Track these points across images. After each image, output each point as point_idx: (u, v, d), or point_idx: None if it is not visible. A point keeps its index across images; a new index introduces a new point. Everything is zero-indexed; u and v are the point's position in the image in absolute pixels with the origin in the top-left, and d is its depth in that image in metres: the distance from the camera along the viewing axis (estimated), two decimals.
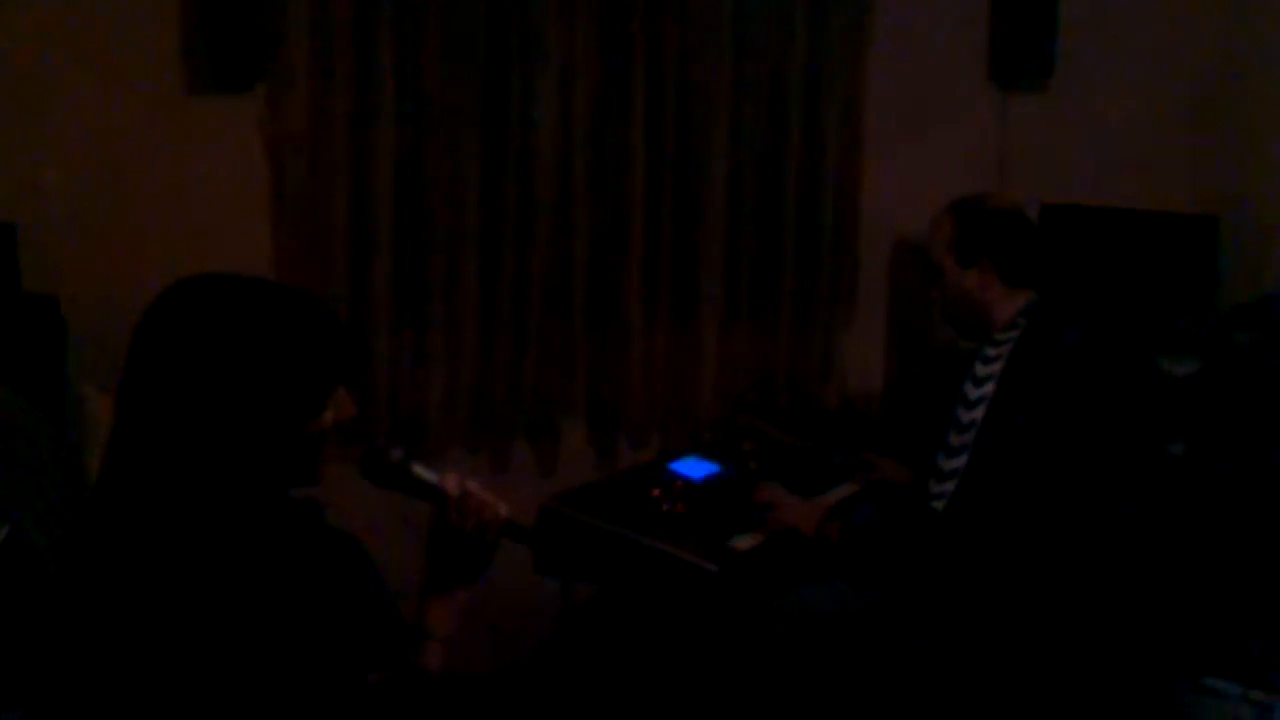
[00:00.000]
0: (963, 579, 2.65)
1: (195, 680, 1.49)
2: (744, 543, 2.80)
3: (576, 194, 3.55)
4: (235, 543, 1.58)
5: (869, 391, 3.93)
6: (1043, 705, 2.62)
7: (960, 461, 2.71)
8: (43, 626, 1.53)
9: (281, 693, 1.55)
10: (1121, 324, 3.39)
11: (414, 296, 3.48)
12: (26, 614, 1.60)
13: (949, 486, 2.72)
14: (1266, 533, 3.03)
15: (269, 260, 3.40)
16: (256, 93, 3.30)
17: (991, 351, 2.77)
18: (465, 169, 3.43)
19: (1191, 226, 3.72)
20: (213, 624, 1.51)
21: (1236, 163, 3.89)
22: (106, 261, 3.21)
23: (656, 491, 2.96)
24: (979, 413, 2.72)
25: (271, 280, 1.69)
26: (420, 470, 1.82)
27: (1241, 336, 3.35)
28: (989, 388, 2.72)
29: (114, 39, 3.19)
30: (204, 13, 3.19)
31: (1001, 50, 3.89)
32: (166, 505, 1.56)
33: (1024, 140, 3.92)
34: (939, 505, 2.72)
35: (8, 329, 2.92)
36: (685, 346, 3.74)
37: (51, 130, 3.15)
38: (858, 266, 3.87)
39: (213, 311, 1.60)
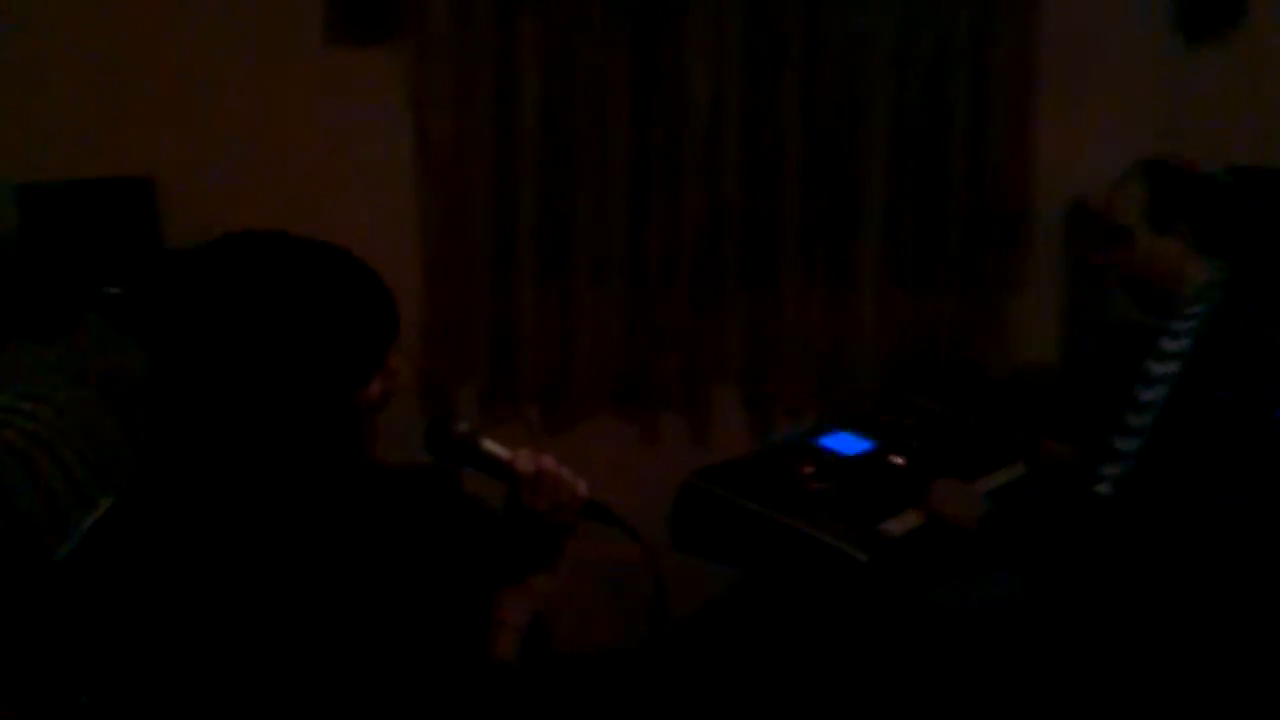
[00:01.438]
0: (1133, 568, 2.44)
1: (220, 672, 1.39)
2: (896, 527, 2.60)
3: (728, 150, 3.37)
4: (272, 519, 1.47)
5: (1040, 365, 3.67)
6: (1218, 704, 2.40)
7: (1136, 443, 2.51)
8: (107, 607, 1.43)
9: (317, 681, 1.44)
10: None
11: (558, 256, 3.35)
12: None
13: (1120, 469, 2.51)
14: None
15: (413, 212, 3.32)
16: (397, 43, 3.21)
17: (1179, 326, 2.54)
18: (612, 123, 3.29)
19: None
20: (233, 608, 1.40)
21: None
22: (247, 214, 3.13)
23: (805, 468, 2.79)
24: (1161, 392, 2.50)
25: (317, 240, 1.54)
26: (490, 445, 1.65)
27: None
28: (1173, 366, 2.50)
29: None
30: None
31: None
32: (204, 479, 1.46)
33: (1210, 96, 3.59)
34: (1104, 489, 2.52)
35: (148, 284, 2.87)
36: (843, 312, 3.54)
37: (189, 83, 3.09)
38: (1029, 229, 3.61)
39: (245, 272, 1.47)
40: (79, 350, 2.56)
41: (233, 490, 1.46)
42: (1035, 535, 2.53)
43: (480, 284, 3.33)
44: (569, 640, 1.88)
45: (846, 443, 2.98)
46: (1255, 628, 2.44)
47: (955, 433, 3.14)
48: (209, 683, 1.39)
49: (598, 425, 3.53)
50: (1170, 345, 2.54)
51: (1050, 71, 3.53)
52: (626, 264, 3.39)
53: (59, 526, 1.88)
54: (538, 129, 3.25)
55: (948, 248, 3.54)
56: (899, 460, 2.91)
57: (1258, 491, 2.42)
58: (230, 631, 1.39)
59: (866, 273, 3.50)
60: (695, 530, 2.70)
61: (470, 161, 3.26)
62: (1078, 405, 3.32)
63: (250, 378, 1.43)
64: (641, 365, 3.47)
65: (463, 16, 3.18)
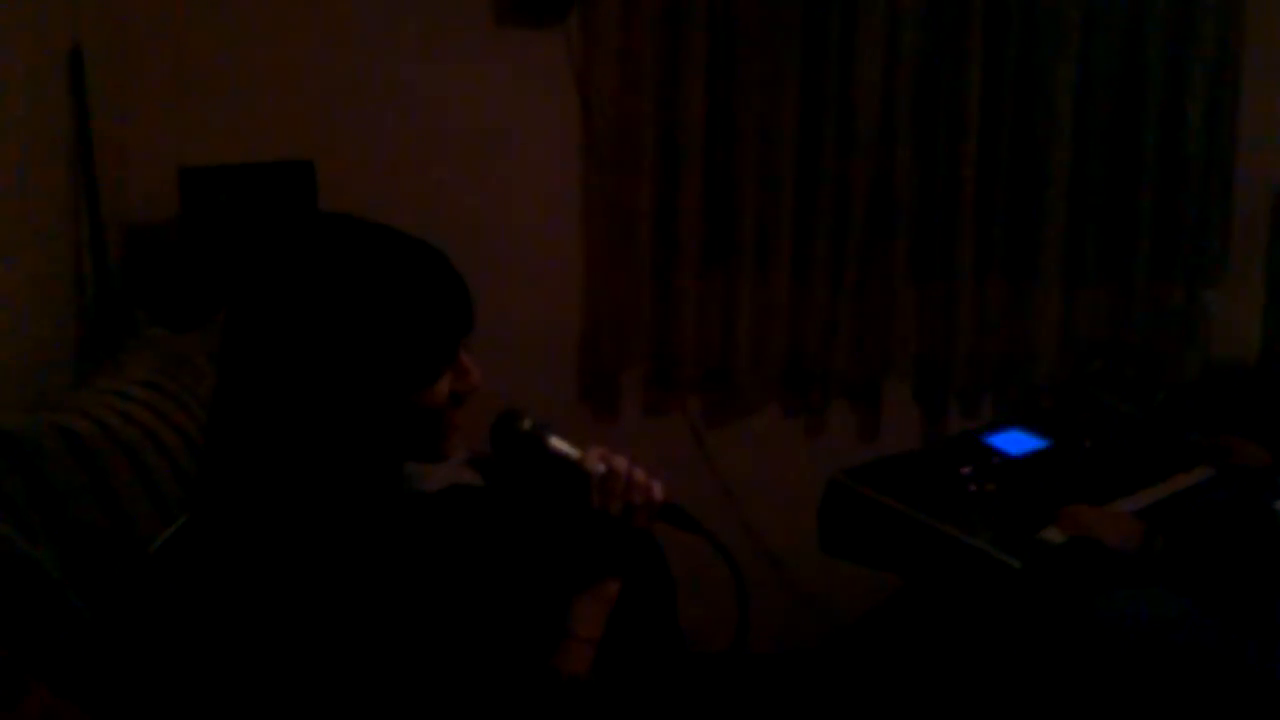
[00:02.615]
0: None
1: (272, 681, 1.33)
2: (1058, 534, 2.43)
3: (901, 134, 3.22)
4: (334, 523, 1.40)
5: (1235, 362, 3.42)
6: None
7: None
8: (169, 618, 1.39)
9: (383, 691, 1.37)
10: None
11: (723, 241, 3.26)
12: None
13: None
14: None
15: (576, 197, 3.27)
16: (565, 26, 3.16)
17: None
18: (780, 105, 3.17)
19: None
20: (287, 618, 1.34)
21: None
22: (408, 199, 3.14)
23: (966, 468, 2.63)
24: None
25: (384, 225, 1.46)
26: (557, 442, 1.57)
27: None
28: None
29: None
30: None
31: None
32: (261, 481, 1.40)
33: None
34: None
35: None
36: (1022, 303, 3.37)
37: (353, 64, 3.10)
38: (1227, 218, 3.37)
39: (304, 259, 1.40)
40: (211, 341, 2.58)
41: (294, 491, 1.40)
42: (1208, 559, 2.33)
43: (643, 271, 3.26)
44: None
45: (1016, 441, 2.81)
46: None
47: (1136, 433, 2.94)
48: (283, 687, 1.34)
49: (762, 418, 3.43)
50: None
51: (1259, 45, 3.29)
52: (792, 252, 3.27)
53: (165, 521, 1.86)
54: (703, 113, 3.16)
55: (1138, 237, 3.32)
56: (1071, 461, 2.73)
57: None
58: (295, 638, 1.34)
59: (1048, 262, 3.31)
60: (842, 532, 2.58)
61: (634, 146, 3.18)
62: (1275, 406, 3.08)
63: (308, 368, 1.37)
64: (808, 356, 3.35)
65: None
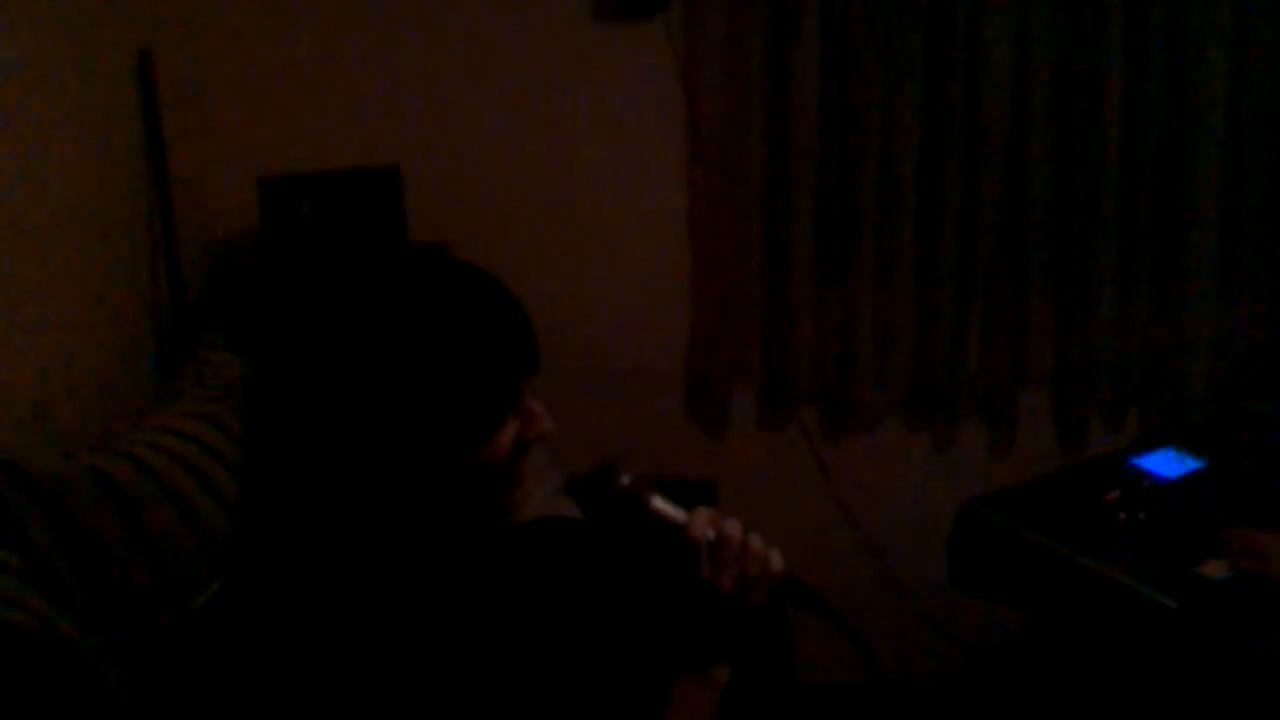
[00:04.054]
0: None
1: None
2: (1218, 568, 2.16)
3: (1035, 126, 2.96)
4: (388, 601, 1.19)
5: None
6: None
7: None
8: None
9: None
10: None
11: (839, 248, 3.02)
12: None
13: None
14: None
15: (682, 201, 3.07)
16: (667, 15, 2.95)
17: None
18: (902, 97, 2.93)
19: None
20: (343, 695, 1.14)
21: None
22: (499, 205, 2.97)
23: (1113, 494, 2.37)
24: None
25: (423, 250, 1.25)
26: (660, 504, 1.33)
27: None
28: None
29: None
30: None
31: None
32: (301, 547, 1.19)
33: None
34: None
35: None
36: (1170, 309, 3.08)
37: (440, 64, 2.93)
38: None
39: (332, 305, 1.18)
40: None
41: (340, 561, 1.19)
42: None
43: (753, 280, 3.05)
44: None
45: (1167, 463, 2.53)
46: None
47: None
48: None
49: (884, 433, 3.19)
50: None
51: None
52: (916, 258, 3.02)
53: (213, 571, 1.68)
54: (817, 108, 2.93)
55: None
56: (1231, 484, 2.45)
57: None
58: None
59: (1199, 265, 3.02)
60: (975, 566, 2.33)
61: (743, 147, 2.97)
62: None
63: (341, 430, 1.16)
64: (934, 369, 3.10)
65: None
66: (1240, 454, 2.60)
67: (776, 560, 1.32)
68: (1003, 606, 2.41)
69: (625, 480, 1.33)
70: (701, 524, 1.31)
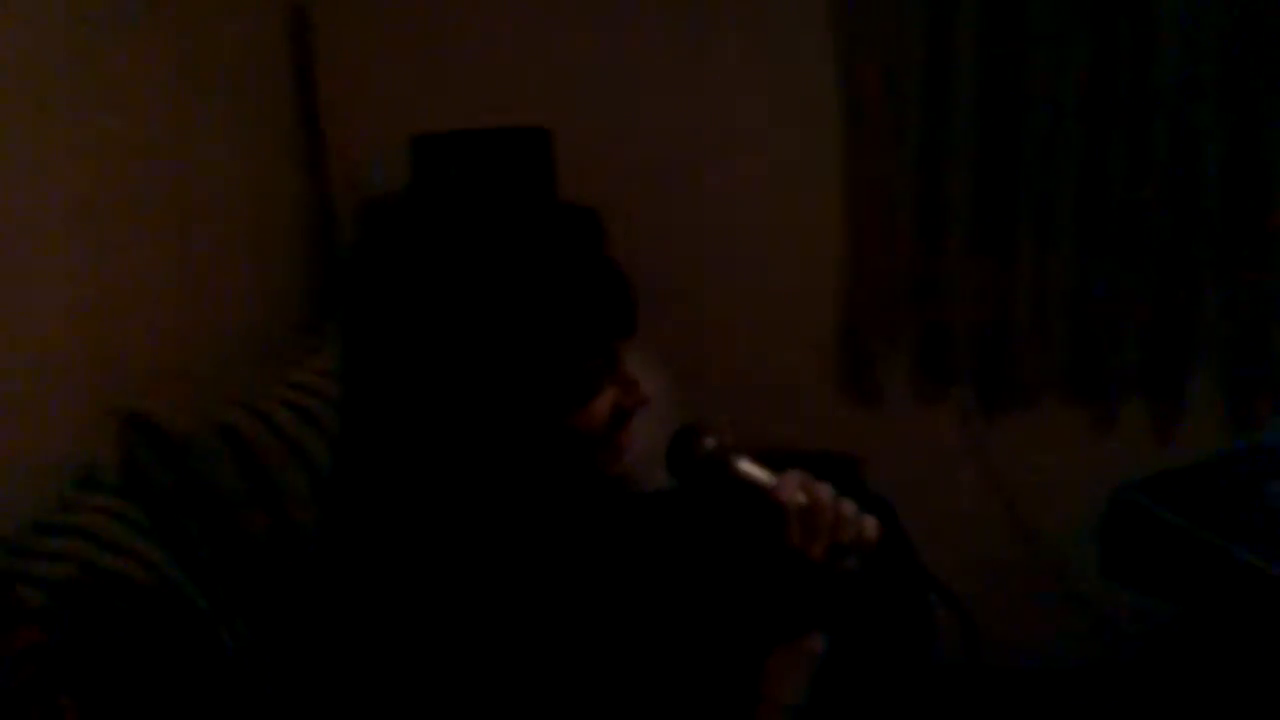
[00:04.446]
0: None
1: None
2: None
3: (1206, 80, 2.80)
4: (486, 571, 1.18)
5: None
6: None
7: None
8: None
9: None
10: None
11: (998, 216, 2.92)
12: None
13: None
14: None
15: (835, 168, 2.98)
16: None
17: None
18: (1069, 54, 2.80)
19: None
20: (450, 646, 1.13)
21: None
22: (651, 170, 2.93)
23: (1276, 482, 2.25)
24: None
25: (519, 212, 1.22)
26: (746, 466, 1.30)
27: None
28: None
29: None
30: None
31: None
32: (400, 503, 1.19)
33: None
34: None
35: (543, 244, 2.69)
36: None
37: (594, 26, 2.90)
38: None
39: (426, 263, 1.19)
40: None
41: (434, 521, 1.19)
42: None
43: (909, 247, 2.96)
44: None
45: None
46: None
47: None
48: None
49: (1043, 411, 3.08)
50: None
51: None
52: (1078, 230, 2.90)
53: None
54: (976, 71, 2.83)
55: None
56: None
57: None
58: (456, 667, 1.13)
59: None
60: (1126, 555, 2.23)
61: (900, 110, 2.88)
62: None
63: (434, 391, 1.16)
64: (1095, 345, 2.99)
65: None
66: None
67: (871, 527, 1.28)
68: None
69: (710, 443, 1.30)
70: (791, 488, 1.27)
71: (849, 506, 1.27)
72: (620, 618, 1.29)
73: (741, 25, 2.91)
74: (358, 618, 1.18)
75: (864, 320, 3.04)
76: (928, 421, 3.11)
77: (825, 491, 1.27)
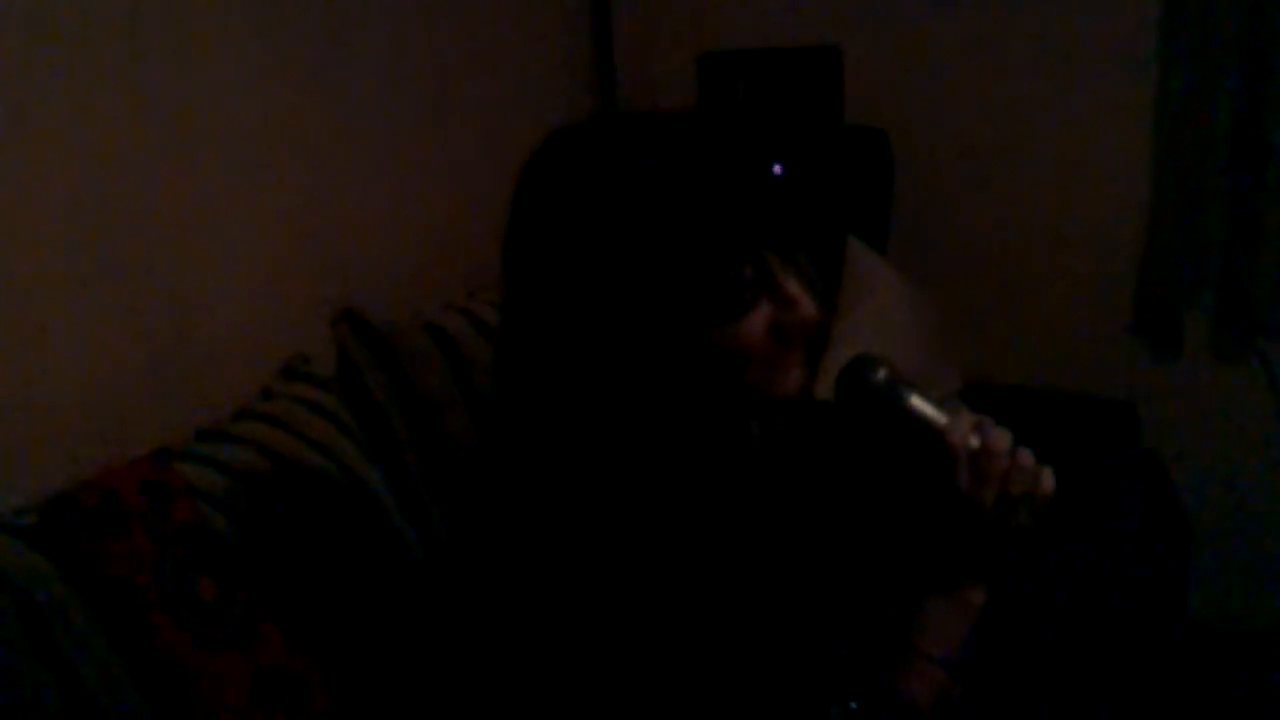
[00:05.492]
0: None
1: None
2: None
3: None
4: (630, 496, 1.13)
5: None
6: None
7: None
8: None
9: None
10: None
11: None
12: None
13: None
14: None
15: (1147, 94, 2.79)
16: None
17: None
18: None
19: None
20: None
21: None
22: (943, 97, 2.84)
23: None
24: None
25: (680, 117, 1.15)
26: (918, 402, 1.19)
27: None
28: None
29: None
30: None
31: None
32: (548, 418, 1.15)
33: None
34: None
35: (830, 166, 2.65)
36: None
37: None
38: None
39: (563, 170, 1.13)
40: None
41: (586, 440, 1.14)
42: None
43: (1220, 190, 2.77)
44: None
45: None
46: None
47: None
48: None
49: None
50: None
51: None
52: None
53: None
54: None
55: None
56: None
57: None
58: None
59: None
60: None
61: (1218, 38, 2.69)
62: None
63: (566, 301, 1.11)
64: None
65: None
66: None
67: (1048, 480, 1.16)
68: None
69: (882, 374, 1.21)
70: (964, 428, 1.17)
71: (1026, 456, 1.16)
72: (769, 550, 1.24)
73: None
74: (518, 546, 1.15)
75: (1167, 267, 2.87)
76: (1226, 377, 2.90)
77: (1001, 438, 1.16)
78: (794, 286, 1.13)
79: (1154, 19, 2.73)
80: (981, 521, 1.17)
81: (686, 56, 2.65)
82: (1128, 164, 2.83)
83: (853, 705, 1.16)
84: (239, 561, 1.50)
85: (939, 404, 1.21)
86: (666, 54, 2.79)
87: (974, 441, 1.17)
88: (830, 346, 2.01)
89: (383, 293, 2.09)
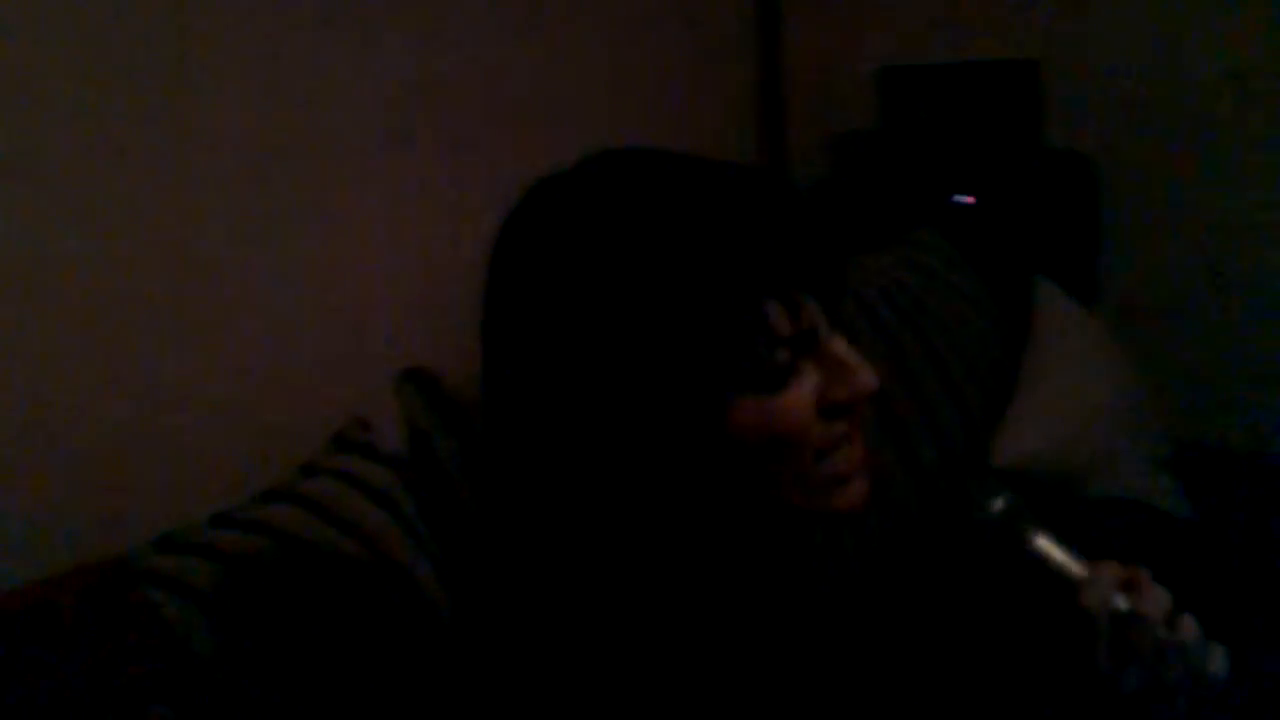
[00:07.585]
0: None
1: None
2: None
3: None
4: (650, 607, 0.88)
5: None
6: None
7: None
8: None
9: None
10: None
11: None
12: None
13: None
14: None
15: None
16: None
17: None
18: None
19: None
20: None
21: None
22: (1152, 118, 2.52)
23: None
24: None
25: (691, 163, 0.86)
26: (1046, 545, 0.90)
27: None
28: None
29: None
30: None
31: None
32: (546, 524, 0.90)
33: None
34: None
35: (1028, 190, 2.38)
36: None
37: None
38: None
39: (558, 235, 0.85)
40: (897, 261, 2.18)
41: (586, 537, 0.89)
42: None
43: None
44: None
45: None
46: None
47: None
48: None
49: None
50: None
51: None
52: None
53: None
54: None
55: None
56: None
57: None
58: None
59: None
60: None
61: None
62: None
63: (564, 374, 0.84)
64: None
65: None
66: None
67: (1218, 661, 0.86)
68: None
69: (1000, 504, 0.92)
70: (1107, 585, 0.88)
71: (1190, 626, 0.86)
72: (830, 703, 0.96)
73: None
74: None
75: None
76: None
77: (1157, 601, 0.87)
78: (841, 346, 0.86)
79: None
80: (1121, 708, 0.87)
81: (865, 72, 2.41)
82: None
83: None
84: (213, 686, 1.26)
85: (1077, 553, 0.91)
86: (846, 67, 2.54)
87: (1121, 604, 0.88)
88: (1004, 424, 1.72)
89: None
